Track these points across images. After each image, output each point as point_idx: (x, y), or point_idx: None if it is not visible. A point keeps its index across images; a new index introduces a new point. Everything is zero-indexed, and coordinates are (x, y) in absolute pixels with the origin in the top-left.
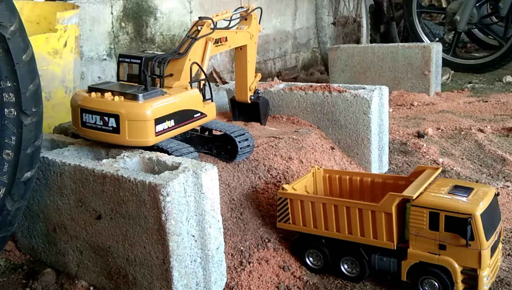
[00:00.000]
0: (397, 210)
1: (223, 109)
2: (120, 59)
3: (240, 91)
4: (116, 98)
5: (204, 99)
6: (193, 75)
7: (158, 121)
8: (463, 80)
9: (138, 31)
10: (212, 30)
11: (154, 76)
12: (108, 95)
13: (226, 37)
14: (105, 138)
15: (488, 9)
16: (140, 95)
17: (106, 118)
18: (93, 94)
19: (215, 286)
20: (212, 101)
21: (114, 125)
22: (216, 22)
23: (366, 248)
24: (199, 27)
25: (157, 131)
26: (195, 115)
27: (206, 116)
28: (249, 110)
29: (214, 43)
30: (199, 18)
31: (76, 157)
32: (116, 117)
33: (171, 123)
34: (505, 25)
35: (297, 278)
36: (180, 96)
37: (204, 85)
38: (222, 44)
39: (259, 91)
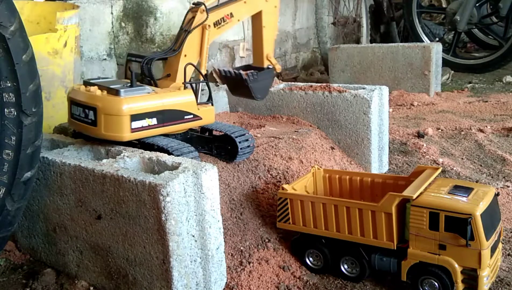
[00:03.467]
0: (397, 210)
1: (223, 109)
2: (128, 58)
3: (256, 59)
4: (99, 92)
5: (199, 102)
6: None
7: (135, 117)
8: (463, 80)
9: (138, 31)
10: (206, 16)
11: (147, 77)
12: (94, 88)
13: (230, 13)
14: (85, 130)
15: (488, 9)
16: (122, 90)
17: (86, 111)
18: (82, 87)
19: (215, 286)
20: (212, 104)
21: (93, 118)
22: (218, 1)
23: (366, 248)
24: (195, 14)
25: (133, 127)
26: (185, 117)
27: (200, 119)
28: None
29: (215, 26)
30: (193, 4)
31: (76, 157)
32: (94, 110)
33: (152, 121)
34: (505, 25)
35: (297, 278)
36: (166, 95)
37: (197, 85)
38: (226, 23)
39: (269, 66)
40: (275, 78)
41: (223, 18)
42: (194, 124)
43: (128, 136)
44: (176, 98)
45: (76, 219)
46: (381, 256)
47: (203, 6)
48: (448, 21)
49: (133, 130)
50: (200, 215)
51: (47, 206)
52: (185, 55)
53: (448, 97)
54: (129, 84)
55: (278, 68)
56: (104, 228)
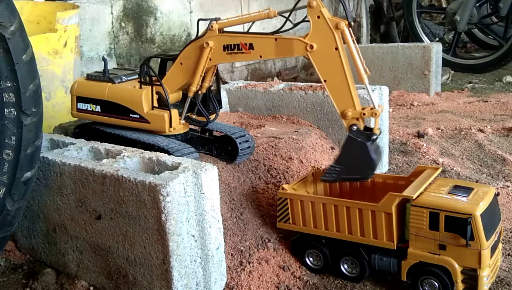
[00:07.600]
0: (397, 210)
1: (223, 109)
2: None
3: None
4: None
5: (155, 106)
6: (210, 79)
7: (80, 100)
8: (463, 80)
9: (138, 31)
10: (216, 33)
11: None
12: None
13: (250, 44)
14: None
15: (488, 9)
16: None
17: None
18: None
19: (215, 286)
20: (180, 116)
21: None
22: (248, 30)
23: (366, 248)
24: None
25: (78, 108)
26: (131, 115)
27: (148, 123)
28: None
29: (225, 50)
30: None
31: (76, 157)
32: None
33: (96, 108)
34: (505, 25)
35: (297, 278)
36: (113, 87)
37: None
38: (242, 52)
39: (373, 136)
40: (275, 78)
41: (237, 45)
42: (140, 126)
43: (74, 113)
44: (121, 91)
45: (76, 219)
46: (381, 256)
47: (215, 22)
48: (448, 21)
49: (78, 110)
50: (200, 215)
51: (47, 206)
52: (181, 63)
53: (448, 97)
54: (127, 73)
55: (376, 130)
56: (104, 228)
